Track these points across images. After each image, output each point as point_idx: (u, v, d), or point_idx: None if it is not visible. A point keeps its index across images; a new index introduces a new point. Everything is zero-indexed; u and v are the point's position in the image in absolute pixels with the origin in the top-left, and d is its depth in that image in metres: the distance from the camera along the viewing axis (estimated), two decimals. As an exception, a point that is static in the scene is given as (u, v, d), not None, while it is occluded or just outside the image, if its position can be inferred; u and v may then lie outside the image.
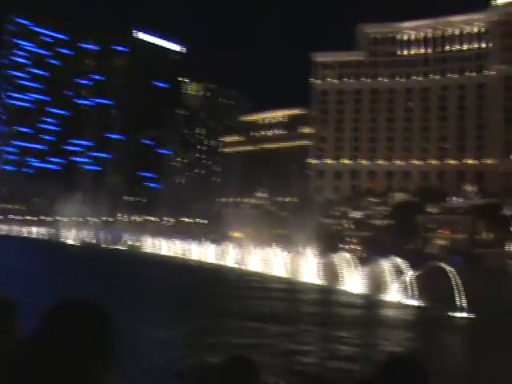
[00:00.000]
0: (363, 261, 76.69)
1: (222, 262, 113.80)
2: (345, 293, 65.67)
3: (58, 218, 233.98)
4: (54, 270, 71.52)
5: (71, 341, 3.00)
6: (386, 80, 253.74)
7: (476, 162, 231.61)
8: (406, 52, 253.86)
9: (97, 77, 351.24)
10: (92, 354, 3.04)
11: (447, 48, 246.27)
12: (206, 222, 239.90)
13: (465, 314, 47.17)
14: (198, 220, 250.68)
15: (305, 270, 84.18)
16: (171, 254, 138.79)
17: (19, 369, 3.00)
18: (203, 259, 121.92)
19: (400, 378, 3.71)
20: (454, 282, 52.78)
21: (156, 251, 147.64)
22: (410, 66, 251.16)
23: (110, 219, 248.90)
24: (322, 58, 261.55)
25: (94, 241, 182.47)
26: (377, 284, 63.38)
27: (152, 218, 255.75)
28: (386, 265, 65.56)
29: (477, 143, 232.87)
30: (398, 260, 64.60)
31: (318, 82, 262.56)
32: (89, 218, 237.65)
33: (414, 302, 55.00)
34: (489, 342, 38.36)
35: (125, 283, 60.45)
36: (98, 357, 3.07)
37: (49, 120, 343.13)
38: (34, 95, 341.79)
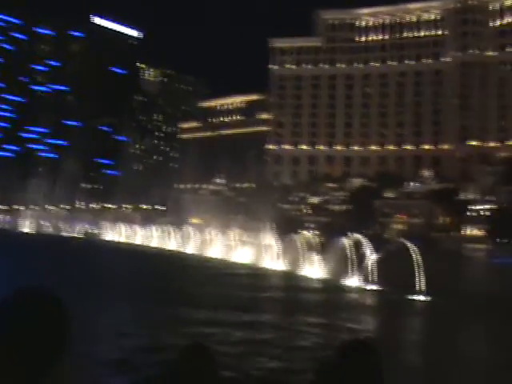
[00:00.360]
0: (322, 246, 76.84)
1: (181, 249, 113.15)
2: (305, 278, 65.70)
3: (14, 206, 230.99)
4: (5, 259, 70.14)
5: (24, 331, 2.89)
6: (343, 66, 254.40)
7: (433, 147, 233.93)
8: (364, 38, 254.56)
9: (52, 62, 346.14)
10: (45, 344, 2.95)
11: (405, 35, 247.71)
12: (164, 208, 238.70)
13: (423, 297, 47.47)
14: (156, 207, 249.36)
15: (265, 255, 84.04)
16: (130, 241, 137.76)
17: None
18: (163, 246, 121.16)
19: (355, 361, 3.93)
20: (414, 264, 53.05)
21: (115, 239, 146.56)
22: (368, 52, 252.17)
23: (68, 207, 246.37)
24: (279, 43, 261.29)
25: (51, 229, 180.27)
26: (337, 269, 63.54)
27: (110, 205, 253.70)
28: (346, 245, 65.80)
29: (433, 129, 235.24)
30: (360, 238, 64.93)
31: (276, 67, 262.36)
32: (46, 206, 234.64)
33: (374, 287, 55.19)
34: (445, 323, 38.70)
35: (78, 271, 59.55)
36: (51, 347, 2.98)
37: (3, 107, 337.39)
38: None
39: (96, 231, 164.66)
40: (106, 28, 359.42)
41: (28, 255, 75.90)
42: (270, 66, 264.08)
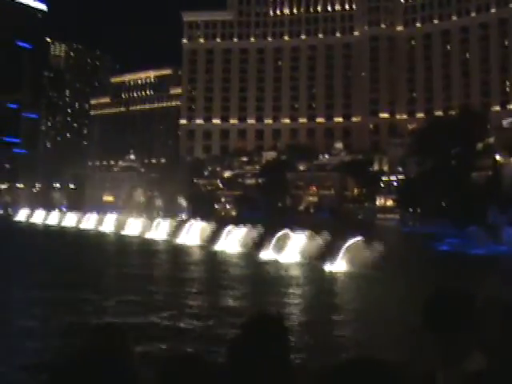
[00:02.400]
0: (235, 219, 77.12)
1: (98, 228, 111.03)
2: (222, 252, 65.83)
3: None
4: None
5: None
6: (255, 40, 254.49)
7: (344, 120, 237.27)
8: (275, 12, 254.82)
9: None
10: None
11: (316, 9, 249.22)
12: (75, 187, 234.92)
13: (339, 268, 48.26)
14: (69, 185, 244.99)
15: (182, 231, 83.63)
16: (46, 222, 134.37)
17: None
18: (79, 225, 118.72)
19: (259, 334, 3.97)
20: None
21: (28, 220, 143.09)
22: (280, 26, 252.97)
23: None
24: (191, 17, 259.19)
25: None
26: (252, 242, 63.90)
27: (21, 185, 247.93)
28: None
29: (344, 102, 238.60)
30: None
31: (188, 41, 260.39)
32: None
33: (290, 259, 55.69)
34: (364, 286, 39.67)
35: None
36: None
37: None
38: None
39: (7, 212, 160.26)
40: (10, 0, 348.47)
41: None
42: (183, 41, 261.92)
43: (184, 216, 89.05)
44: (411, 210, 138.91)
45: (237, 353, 3.99)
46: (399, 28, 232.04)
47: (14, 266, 47.56)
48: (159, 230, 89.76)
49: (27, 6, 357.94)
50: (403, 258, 54.54)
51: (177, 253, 67.82)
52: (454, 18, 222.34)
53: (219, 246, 68.11)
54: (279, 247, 58.29)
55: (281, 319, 4.23)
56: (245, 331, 4.08)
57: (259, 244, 61.30)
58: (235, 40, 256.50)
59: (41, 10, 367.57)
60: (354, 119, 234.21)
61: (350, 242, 50.24)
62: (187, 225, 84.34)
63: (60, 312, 28.48)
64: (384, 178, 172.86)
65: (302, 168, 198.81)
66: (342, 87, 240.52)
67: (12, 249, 62.94)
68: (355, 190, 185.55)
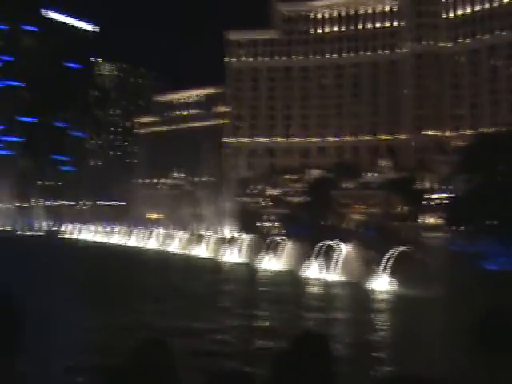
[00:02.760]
0: (280, 237, 77.14)
1: (142, 245, 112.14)
2: (268, 270, 65.80)
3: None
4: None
5: None
6: (299, 58, 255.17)
7: (389, 137, 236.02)
8: (319, 30, 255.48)
9: (5, 57, 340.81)
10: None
11: (360, 26, 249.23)
12: (123, 204, 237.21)
13: (388, 286, 47.94)
14: (115, 202, 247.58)
15: (226, 249, 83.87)
16: (92, 238, 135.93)
17: None
18: (125, 243, 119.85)
19: (306, 353, 4.02)
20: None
21: (76, 236, 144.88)
22: (324, 43, 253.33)
23: (24, 204, 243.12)
24: (235, 36, 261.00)
25: (9, 227, 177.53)
26: (297, 260, 63.81)
27: (68, 202, 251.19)
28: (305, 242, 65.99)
29: (389, 119, 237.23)
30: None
31: (232, 60, 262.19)
32: (0, 205, 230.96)
33: (336, 278, 55.51)
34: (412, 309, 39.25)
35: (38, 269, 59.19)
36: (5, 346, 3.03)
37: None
38: None
39: (57, 228, 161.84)
40: (60, 22, 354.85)
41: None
42: (226, 59, 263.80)
43: (229, 234, 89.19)
44: (458, 228, 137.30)
45: (281, 369, 4.01)
46: (443, 44, 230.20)
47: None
48: (203, 247, 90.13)
49: (77, 28, 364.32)
50: (450, 276, 54.00)
51: (226, 271, 68.04)
52: (498, 32, 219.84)
53: (264, 264, 68.12)
54: (323, 265, 58.06)
55: (325, 338, 4.29)
56: (291, 349, 4.10)
57: (304, 262, 61.18)
58: (279, 58, 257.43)
59: (89, 31, 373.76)
60: (400, 137, 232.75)
61: (393, 252, 49.78)
62: (232, 242, 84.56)
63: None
64: (429, 196, 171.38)
65: (347, 186, 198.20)
66: (387, 104, 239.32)
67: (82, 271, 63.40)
68: (400, 208, 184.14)
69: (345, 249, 58.42)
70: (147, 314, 34.01)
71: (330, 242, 60.11)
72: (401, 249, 50.88)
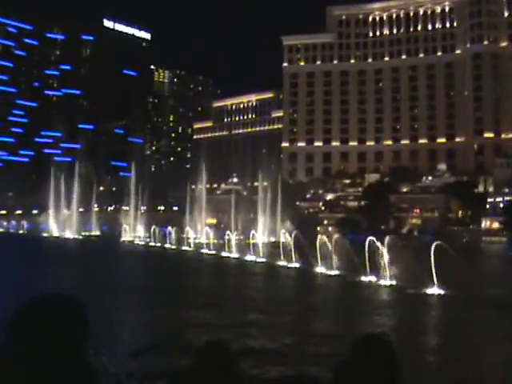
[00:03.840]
0: (336, 242, 76.43)
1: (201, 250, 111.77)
2: (322, 274, 65.30)
3: (34, 211, 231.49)
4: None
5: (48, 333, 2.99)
6: (355, 61, 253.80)
7: (447, 140, 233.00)
8: (375, 33, 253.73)
9: (64, 66, 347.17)
10: (67, 344, 3.05)
11: (416, 28, 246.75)
12: (180, 209, 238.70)
13: (437, 291, 47.07)
14: (172, 207, 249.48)
15: (281, 253, 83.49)
16: (149, 242, 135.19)
17: None
18: (180, 247, 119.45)
19: (370, 356, 3.98)
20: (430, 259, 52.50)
21: (134, 240, 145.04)
22: (380, 47, 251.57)
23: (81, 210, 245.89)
24: (291, 41, 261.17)
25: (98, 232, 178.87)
26: (351, 265, 63.16)
27: (125, 208, 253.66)
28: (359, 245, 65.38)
29: (447, 122, 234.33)
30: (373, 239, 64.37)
31: (289, 65, 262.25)
32: (65, 211, 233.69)
33: (388, 282, 54.76)
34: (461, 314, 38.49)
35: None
36: (72, 348, 3.08)
37: (17, 112, 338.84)
38: (1, 87, 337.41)
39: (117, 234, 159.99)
40: (117, 31, 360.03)
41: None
42: (283, 64, 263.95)
43: (284, 238, 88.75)
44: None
45: (343, 374, 3.98)
46: (503, 44, 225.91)
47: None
48: (259, 252, 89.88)
49: (133, 36, 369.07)
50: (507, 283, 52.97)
51: (281, 276, 67.75)
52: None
53: (319, 269, 67.60)
54: (378, 269, 57.32)
55: (389, 342, 4.22)
56: (353, 353, 4.07)
57: (360, 267, 60.53)
58: (335, 62, 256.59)
59: (145, 39, 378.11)
60: (458, 140, 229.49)
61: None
62: (286, 247, 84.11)
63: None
64: (490, 200, 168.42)
65: (404, 190, 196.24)
66: (445, 107, 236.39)
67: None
68: (460, 213, 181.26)
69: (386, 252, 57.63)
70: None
71: (379, 245, 59.40)
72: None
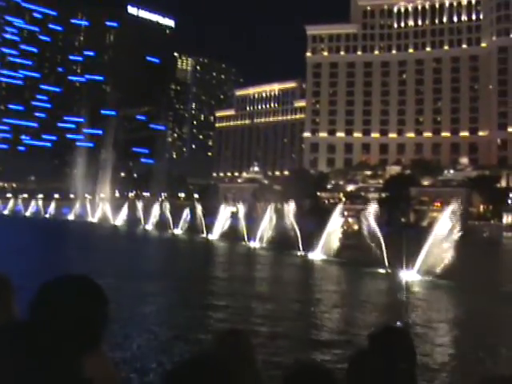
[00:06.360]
0: (355, 233, 76.70)
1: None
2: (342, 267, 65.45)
3: (56, 195, 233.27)
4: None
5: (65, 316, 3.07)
6: (379, 53, 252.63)
7: (470, 134, 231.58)
8: (400, 24, 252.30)
9: (88, 53, 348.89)
10: (85, 335, 3.10)
11: (441, 20, 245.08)
12: (199, 197, 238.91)
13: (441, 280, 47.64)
14: (193, 195, 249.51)
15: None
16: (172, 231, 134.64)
17: (6, 347, 3.03)
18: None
19: (386, 348, 4.02)
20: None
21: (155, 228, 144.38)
22: (404, 38, 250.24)
23: (102, 195, 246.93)
24: (315, 30, 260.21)
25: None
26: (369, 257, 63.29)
27: (146, 194, 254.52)
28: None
29: (471, 115, 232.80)
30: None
31: (312, 55, 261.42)
32: (87, 195, 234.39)
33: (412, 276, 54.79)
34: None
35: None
36: (90, 336, 3.13)
37: (40, 97, 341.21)
38: (25, 72, 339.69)
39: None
40: (141, 17, 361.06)
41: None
42: (308, 54, 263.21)
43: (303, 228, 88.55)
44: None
45: (362, 364, 3.96)
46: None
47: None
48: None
49: (157, 23, 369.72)
50: None
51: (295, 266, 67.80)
52: None
53: (339, 260, 67.69)
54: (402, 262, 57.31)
55: (406, 332, 4.28)
56: (372, 342, 4.12)
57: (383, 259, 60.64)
58: (359, 53, 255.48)
59: (169, 26, 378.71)
60: (481, 133, 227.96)
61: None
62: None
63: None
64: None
65: (426, 183, 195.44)
66: (469, 100, 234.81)
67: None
68: (481, 207, 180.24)
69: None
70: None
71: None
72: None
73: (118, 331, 24.54)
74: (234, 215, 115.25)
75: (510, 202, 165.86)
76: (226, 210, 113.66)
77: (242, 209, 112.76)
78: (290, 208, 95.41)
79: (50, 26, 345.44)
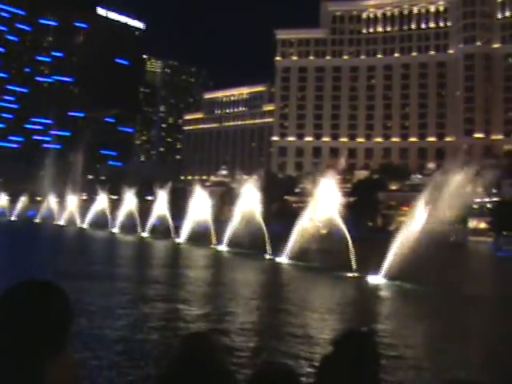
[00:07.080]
0: (323, 237, 77.08)
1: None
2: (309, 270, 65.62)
3: (22, 197, 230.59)
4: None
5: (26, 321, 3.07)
6: (348, 58, 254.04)
7: (437, 139, 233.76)
8: (369, 30, 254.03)
9: (57, 54, 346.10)
10: (50, 333, 3.10)
11: (410, 26, 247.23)
12: (167, 200, 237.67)
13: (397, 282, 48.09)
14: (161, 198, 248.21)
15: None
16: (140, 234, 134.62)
17: None
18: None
19: (351, 352, 4.04)
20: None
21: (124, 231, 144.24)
22: (373, 44, 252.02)
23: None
24: (284, 35, 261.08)
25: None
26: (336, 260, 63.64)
27: (114, 197, 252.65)
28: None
29: (438, 121, 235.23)
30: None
31: (281, 59, 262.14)
32: (54, 198, 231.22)
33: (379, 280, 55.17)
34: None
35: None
36: (56, 336, 3.13)
37: (8, 98, 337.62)
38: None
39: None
40: (110, 19, 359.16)
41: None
42: (277, 58, 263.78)
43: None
44: (506, 233, 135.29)
45: (329, 368, 4.02)
46: (496, 45, 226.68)
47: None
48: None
49: (126, 25, 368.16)
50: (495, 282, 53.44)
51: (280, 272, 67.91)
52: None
53: (307, 265, 67.89)
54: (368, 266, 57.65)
55: (372, 335, 4.29)
56: (338, 347, 4.10)
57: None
58: (328, 58, 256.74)
59: (138, 28, 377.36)
60: (448, 139, 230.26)
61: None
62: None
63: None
64: (477, 200, 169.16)
65: (394, 188, 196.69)
66: (436, 106, 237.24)
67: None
68: (447, 212, 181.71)
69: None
70: None
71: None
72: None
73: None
74: (202, 219, 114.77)
75: (475, 207, 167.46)
76: (194, 213, 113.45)
77: (209, 212, 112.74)
78: (258, 212, 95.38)
79: (18, 25, 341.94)
